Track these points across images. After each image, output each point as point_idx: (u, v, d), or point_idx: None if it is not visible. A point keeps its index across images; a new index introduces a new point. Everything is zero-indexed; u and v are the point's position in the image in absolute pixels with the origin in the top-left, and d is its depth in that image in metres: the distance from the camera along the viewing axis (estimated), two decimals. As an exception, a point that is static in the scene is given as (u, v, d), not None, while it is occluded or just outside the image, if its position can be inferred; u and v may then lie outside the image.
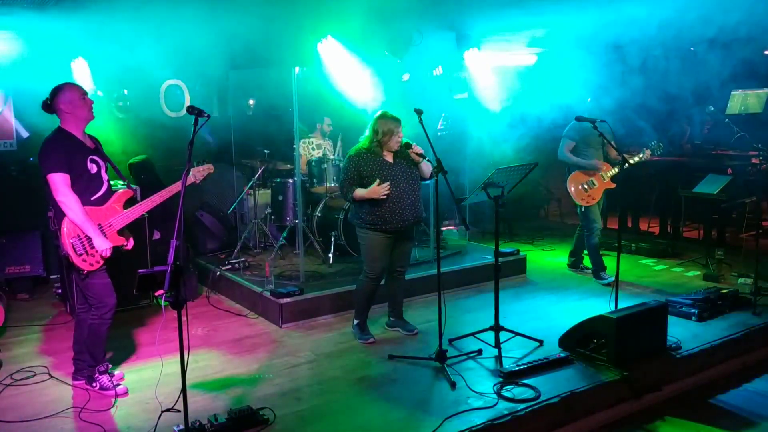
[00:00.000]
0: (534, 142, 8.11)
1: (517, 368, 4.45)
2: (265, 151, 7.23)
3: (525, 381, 4.29)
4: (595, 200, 6.61)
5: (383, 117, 4.86)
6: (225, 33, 5.93)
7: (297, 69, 5.86)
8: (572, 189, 6.63)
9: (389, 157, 4.92)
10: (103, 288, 4.12)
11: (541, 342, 5.00)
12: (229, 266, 6.65)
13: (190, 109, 3.52)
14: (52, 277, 6.89)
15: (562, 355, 4.67)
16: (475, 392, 4.17)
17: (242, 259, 6.76)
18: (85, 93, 4.10)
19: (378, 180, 4.79)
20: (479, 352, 4.85)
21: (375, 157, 4.87)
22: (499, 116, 8.01)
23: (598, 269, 6.79)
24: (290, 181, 6.99)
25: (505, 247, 7.26)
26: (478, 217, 8.56)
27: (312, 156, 7.39)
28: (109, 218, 4.09)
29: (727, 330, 5.28)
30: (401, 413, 3.96)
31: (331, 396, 4.23)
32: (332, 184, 6.83)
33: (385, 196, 4.77)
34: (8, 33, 6.23)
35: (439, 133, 7.49)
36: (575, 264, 7.30)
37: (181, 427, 3.49)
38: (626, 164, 5.56)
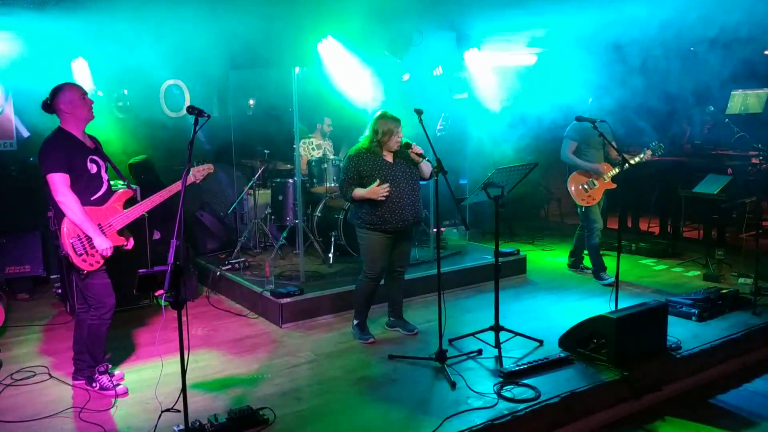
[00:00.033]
0: (534, 142, 8.11)
1: (517, 368, 4.45)
2: (265, 151, 7.24)
3: (525, 381, 4.29)
4: (596, 200, 6.61)
5: (383, 117, 4.86)
6: (225, 33, 5.93)
7: (297, 69, 5.86)
8: (572, 189, 6.63)
9: (389, 157, 4.92)
10: (103, 288, 4.12)
11: (541, 342, 5.00)
12: (229, 266, 6.65)
13: (190, 109, 3.52)
14: (52, 277, 6.89)
15: (562, 355, 4.67)
16: (475, 392, 4.17)
17: (242, 259, 6.76)
18: (84, 93, 4.10)
19: (378, 180, 4.79)
20: (479, 352, 4.85)
21: (375, 157, 4.87)
22: (499, 116, 8.01)
23: (599, 269, 6.78)
24: (290, 181, 6.99)
25: (505, 247, 7.26)
26: (478, 217, 8.56)
27: (312, 156, 7.39)
28: (109, 218, 4.09)
29: (727, 330, 5.28)
30: (401, 413, 3.96)
31: (331, 396, 4.23)
32: (332, 184, 6.83)
33: (384, 197, 4.77)
34: (8, 33, 6.23)
35: (438, 133, 7.50)
36: (575, 264, 7.30)
37: (181, 427, 3.49)
38: (626, 165, 5.56)
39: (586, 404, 4.20)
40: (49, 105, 4.03)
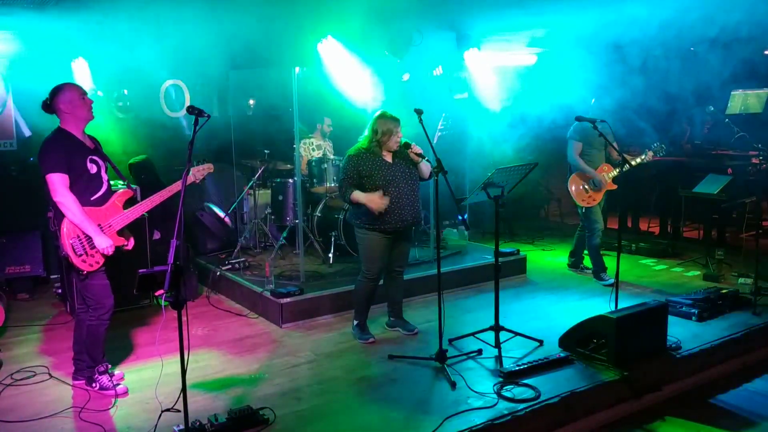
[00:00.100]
0: (534, 142, 8.12)
1: (517, 368, 4.45)
2: (265, 151, 7.24)
3: (525, 381, 4.29)
4: (596, 201, 6.61)
5: (382, 117, 4.86)
6: (225, 33, 5.93)
7: (297, 69, 5.86)
8: (573, 189, 6.62)
9: (388, 157, 4.92)
10: (102, 289, 4.12)
11: (541, 342, 5.00)
12: (229, 266, 6.65)
13: (190, 109, 3.52)
14: (52, 277, 6.89)
15: (562, 355, 4.67)
16: (475, 392, 4.17)
17: (242, 259, 6.76)
18: (84, 93, 4.09)
19: (381, 192, 4.78)
20: (479, 352, 4.85)
21: (374, 157, 4.86)
22: (499, 116, 8.01)
23: (599, 270, 6.78)
24: (290, 181, 6.99)
25: (505, 247, 7.26)
26: (478, 217, 8.56)
27: (312, 156, 7.39)
28: (109, 218, 4.09)
29: (727, 330, 5.27)
30: (401, 413, 3.96)
31: (331, 396, 4.23)
32: (332, 184, 6.83)
33: (381, 211, 4.76)
34: (8, 33, 6.23)
35: (439, 133, 7.50)
36: (575, 264, 7.29)
37: (181, 427, 3.49)
38: (627, 165, 5.56)
39: (586, 404, 4.20)
40: (49, 105, 4.03)
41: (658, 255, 7.84)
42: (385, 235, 4.92)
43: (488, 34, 7.83)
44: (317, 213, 6.95)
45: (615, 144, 6.07)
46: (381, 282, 5.21)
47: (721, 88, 7.93)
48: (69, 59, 6.62)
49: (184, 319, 3.30)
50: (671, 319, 5.02)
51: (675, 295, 5.95)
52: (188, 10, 5.33)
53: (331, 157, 7.27)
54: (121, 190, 4.25)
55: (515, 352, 4.83)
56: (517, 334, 5.04)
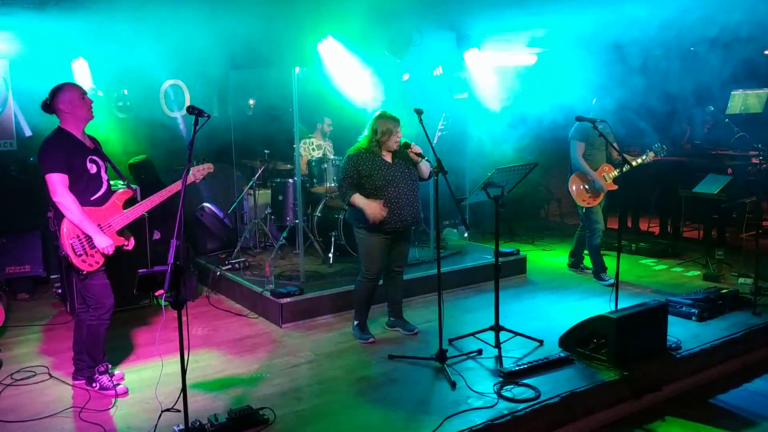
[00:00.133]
0: (534, 142, 8.11)
1: (517, 368, 4.45)
2: (265, 151, 7.23)
3: (525, 381, 4.29)
4: (597, 201, 6.60)
5: (382, 116, 4.86)
6: (225, 33, 5.92)
7: (297, 69, 5.86)
8: (574, 189, 6.62)
9: (388, 157, 4.92)
10: (102, 289, 4.12)
11: (541, 342, 5.00)
12: (229, 266, 6.65)
13: (190, 109, 3.52)
14: (52, 277, 6.89)
15: (562, 355, 4.67)
16: (475, 392, 4.17)
17: (242, 259, 6.76)
18: (84, 93, 4.09)
19: (383, 201, 4.78)
20: (479, 352, 4.85)
21: (374, 157, 4.86)
22: (499, 116, 8.00)
23: (599, 270, 6.78)
24: (290, 181, 6.99)
25: (505, 247, 7.26)
26: (478, 217, 8.56)
27: (312, 156, 7.39)
28: (109, 218, 4.09)
29: (727, 330, 5.27)
30: (401, 413, 3.96)
31: (331, 396, 4.23)
32: (332, 184, 6.83)
33: (378, 220, 4.76)
34: (8, 33, 6.23)
35: (439, 133, 7.50)
36: (575, 264, 7.29)
37: (182, 426, 3.49)
38: (627, 166, 5.56)
39: (586, 404, 4.20)
40: (49, 105, 4.03)
41: (658, 255, 7.84)
42: (384, 235, 4.91)
43: (488, 34, 7.82)
44: (317, 213, 6.95)
45: (616, 144, 6.07)
46: (381, 282, 5.21)
47: (721, 88, 7.93)
48: (69, 59, 6.62)
49: (184, 319, 3.30)
50: (671, 319, 5.03)
51: (675, 295, 5.94)
52: (188, 10, 5.32)
53: (331, 157, 7.27)
54: (121, 190, 4.25)
55: (515, 352, 4.83)
56: (517, 334, 5.04)
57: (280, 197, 7.05)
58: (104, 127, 6.64)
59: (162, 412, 3.82)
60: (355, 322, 5.27)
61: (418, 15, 6.62)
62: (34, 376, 4.57)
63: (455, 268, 6.68)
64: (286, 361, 4.83)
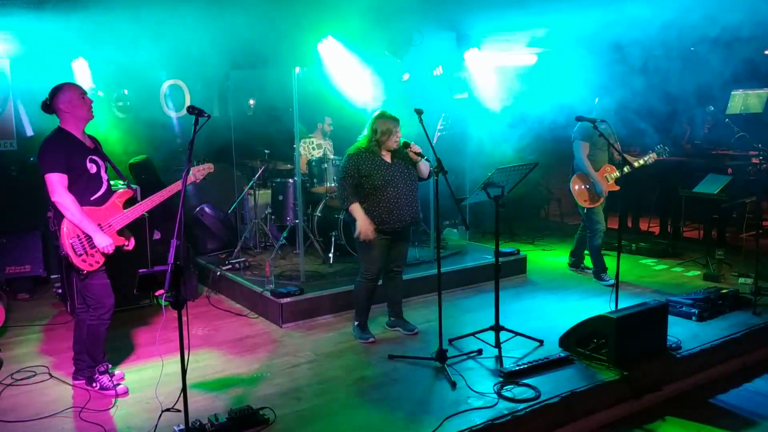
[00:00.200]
0: (534, 142, 8.11)
1: (517, 368, 4.45)
2: (266, 151, 7.24)
3: (525, 381, 4.29)
4: (599, 202, 6.60)
5: (382, 116, 4.86)
6: (225, 33, 5.92)
7: (297, 69, 5.86)
8: (576, 189, 6.61)
9: (387, 157, 4.92)
10: (102, 289, 4.12)
11: (541, 342, 5.00)
12: (230, 266, 6.65)
13: (191, 109, 3.52)
14: (52, 277, 6.89)
15: (562, 354, 4.67)
16: (476, 392, 4.17)
17: (242, 259, 6.76)
18: (84, 92, 4.09)
19: (375, 232, 4.80)
20: (479, 352, 4.85)
21: (373, 157, 4.86)
22: (499, 116, 8.00)
23: (599, 270, 6.78)
24: (290, 181, 6.99)
25: (505, 247, 7.26)
26: (478, 217, 8.56)
27: (312, 156, 7.39)
28: (109, 218, 4.09)
29: (727, 330, 5.27)
30: (401, 413, 3.96)
31: (331, 396, 4.23)
32: (332, 184, 6.82)
33: (367, 238, 4.79)
34: (8, 33, 6.24)
35: (438, 133, 7.51)
36: (576, 264, 7.29)
37: (182, 426, 3.49)
38: (628, 167, 5.55)
39: (586, 404, 4.20)
40: (49, 105, 4.03)
41: (658, 255, 7.84)
42: (383, 235, 4.91)
43: (488, 34, 7.82)
44: (317, 213, 6.95)
45: (617, 144, 6.06)
46: (380, 282, 5.21)
47: (721, 88, 7.93)
48: (69, 59, 6.62)
49: (184, 319, 3.30)
50: (671, 319, 5.02)
51: (675, 295, 5.94)
52: (188, 10, 5.33)
53: (332, 156, 7.27)
54: (121, 190, 4.25)
55: (515, 352, 4.82)
56: (517, 334, 5.04)
57: (281, 197, 7.05)
58: (104, 127, 6.65)
59: (162, 412, 3.82)
60: (356, 322, 5.27)
61: (418, 15, 6.62)
62: (34, 376, 4.57)
63: (455, 268, 6.68)
64: (287, 361, 4.83)
